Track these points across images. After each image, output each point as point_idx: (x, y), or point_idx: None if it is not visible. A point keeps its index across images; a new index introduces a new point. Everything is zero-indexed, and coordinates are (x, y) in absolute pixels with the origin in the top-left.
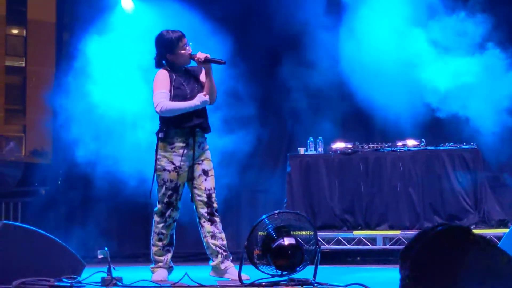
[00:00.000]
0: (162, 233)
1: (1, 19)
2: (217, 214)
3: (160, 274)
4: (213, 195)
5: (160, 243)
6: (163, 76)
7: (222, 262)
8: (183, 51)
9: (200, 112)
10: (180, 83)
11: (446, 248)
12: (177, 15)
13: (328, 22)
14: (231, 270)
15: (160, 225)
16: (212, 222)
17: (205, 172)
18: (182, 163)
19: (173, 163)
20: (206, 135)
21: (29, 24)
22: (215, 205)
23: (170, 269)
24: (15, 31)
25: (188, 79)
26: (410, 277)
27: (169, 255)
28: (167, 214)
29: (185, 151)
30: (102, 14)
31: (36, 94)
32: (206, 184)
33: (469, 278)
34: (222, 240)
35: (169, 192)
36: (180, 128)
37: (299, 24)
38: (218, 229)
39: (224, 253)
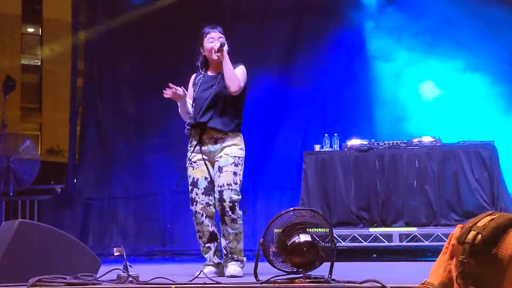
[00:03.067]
0: (199, 231)
1: (16, 18)
2: (229, 213)
3: (204, 271)
4: (226, 191)
5: (200, 241)
6: (190, 83)
7: (225, 262)
8: (207, 44)
9: (212, 108)
10: (197, 87)
11: (502, 235)
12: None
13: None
14: (228, 269)
15: (195, 223)
16: (223, 222)
17: (220, 169)
18: (196, 158)
19: (189, 159)
20: (227, 130)
21: (44, 23)
22: (226, 203)
23: (218, 265)
24: (30, 30)
25: (214, 81)
26: (469, 262)
27: (211, 252)
28: (193, 210)
29: (199, 147)
30: (118, 10)
31: (52, 92)
32: (219, 180)
33: None
34: (229, 242)
35: (190, 187)
36: (192, 126)
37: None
38: (226, 230)
39: (224, 256)
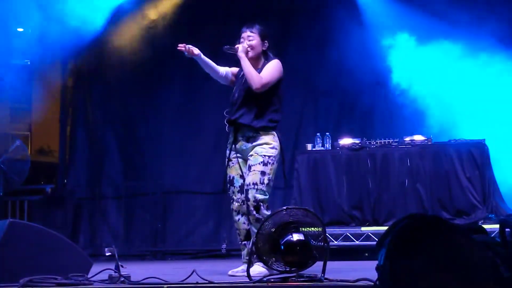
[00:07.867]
0: (237, 228)
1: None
2: (253, 212)
3: (236, 268)
4: (251, 191)
5: (238, 238)
6: (235, 69)
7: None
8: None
9: (243, 105)
10: (237, 81)
11: (415, 237)
12: None
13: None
14: (252, 268)
15: (234, 220)
16: (248, 221)
17: (249, 167)
18: (231, 156)
19: (227, 157)
20: (257, 127)
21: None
22: (250, 202)
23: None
24: (20, 29)
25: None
26: (385, 266)
27: (245, 250)
28: (231, 207)
29: (234, 145)
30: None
31: (43, 92)
32: (247, 179)
33: (436, 265)
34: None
35: (228, 185)
36: (228, 123)
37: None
38: (252, 230)
39: (247, 258)
